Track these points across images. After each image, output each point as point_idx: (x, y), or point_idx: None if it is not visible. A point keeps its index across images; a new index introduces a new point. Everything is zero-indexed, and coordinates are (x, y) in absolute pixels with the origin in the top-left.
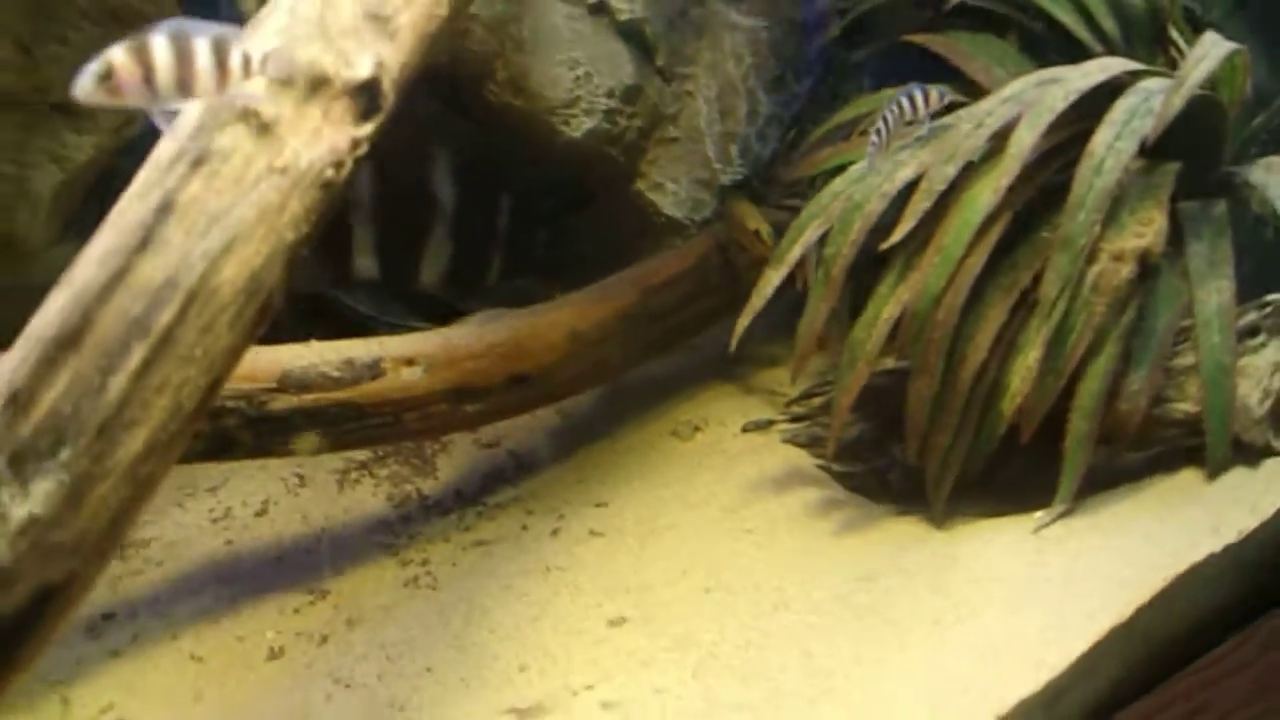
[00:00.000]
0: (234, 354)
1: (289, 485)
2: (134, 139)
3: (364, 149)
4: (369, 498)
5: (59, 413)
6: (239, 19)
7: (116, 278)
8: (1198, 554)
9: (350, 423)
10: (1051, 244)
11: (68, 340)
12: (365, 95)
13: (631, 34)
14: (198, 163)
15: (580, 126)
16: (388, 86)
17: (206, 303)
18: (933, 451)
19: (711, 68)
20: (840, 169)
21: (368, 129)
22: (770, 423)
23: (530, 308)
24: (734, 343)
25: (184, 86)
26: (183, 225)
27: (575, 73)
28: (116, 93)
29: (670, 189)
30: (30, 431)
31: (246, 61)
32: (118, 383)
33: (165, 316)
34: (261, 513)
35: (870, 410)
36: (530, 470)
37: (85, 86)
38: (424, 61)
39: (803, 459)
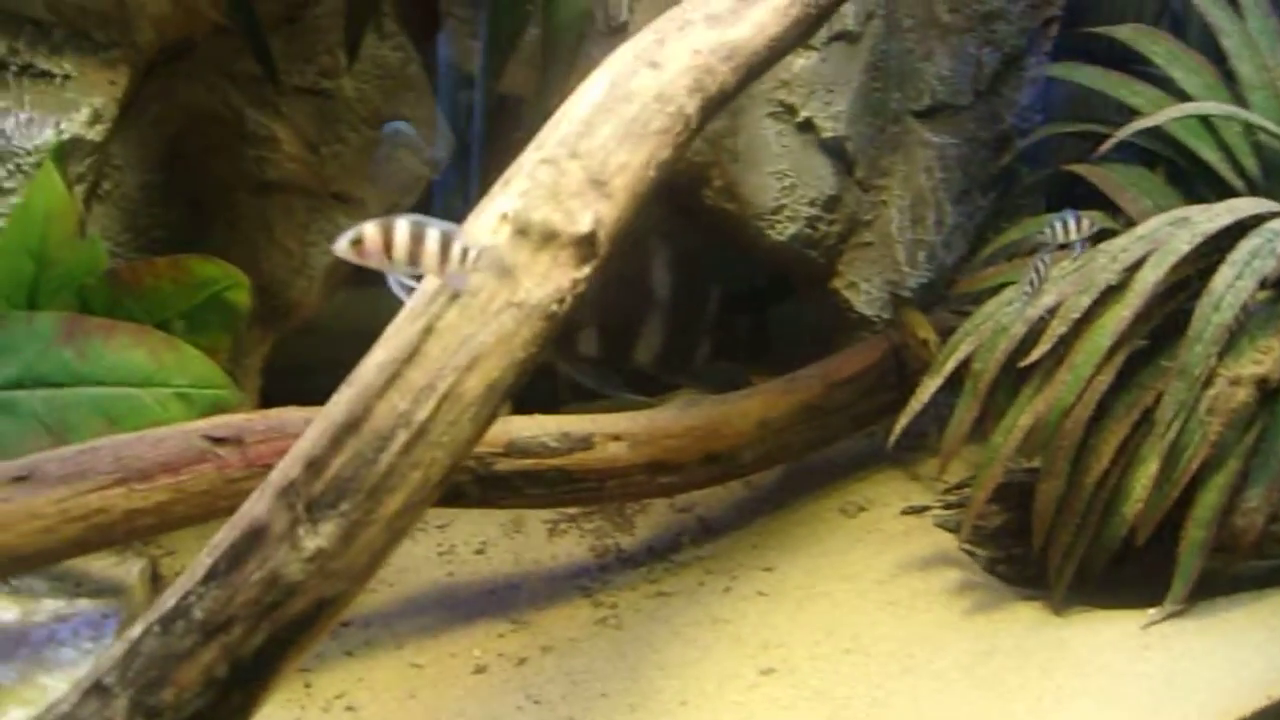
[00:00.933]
0: (472, 442)
1: (506, 530)
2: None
3: (581, 287)
4: (574, 547)
5: (342, 476)
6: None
7: (390, 381)
8: None
9: (562, 485)
10: (1171, 371)
11: (351, 425)
12: (585, 245)
13: (834, 149)
14: (454, 296)
15: (785, 231)
16: (603, 237)
17: (454, 403)
18: (1056, 545)
19: (905, 180)
20: (1001, 286)
21: (586, 271)
22: (926, 508)
23: (725, 395)
24: (892, 441)
25: (414, 261)
26: (440, 344)
27: (782, 183)
28: (363, 255)
29: (863, 288)
30: (321, 488)
31: (464, 253)
32: (385, 458)
33: (423, 412)
34: (480, 551)
35: (1013, 503)
36: (714, 534)
37: (341, 246)
38: (636, 215)
39: (950, 542)
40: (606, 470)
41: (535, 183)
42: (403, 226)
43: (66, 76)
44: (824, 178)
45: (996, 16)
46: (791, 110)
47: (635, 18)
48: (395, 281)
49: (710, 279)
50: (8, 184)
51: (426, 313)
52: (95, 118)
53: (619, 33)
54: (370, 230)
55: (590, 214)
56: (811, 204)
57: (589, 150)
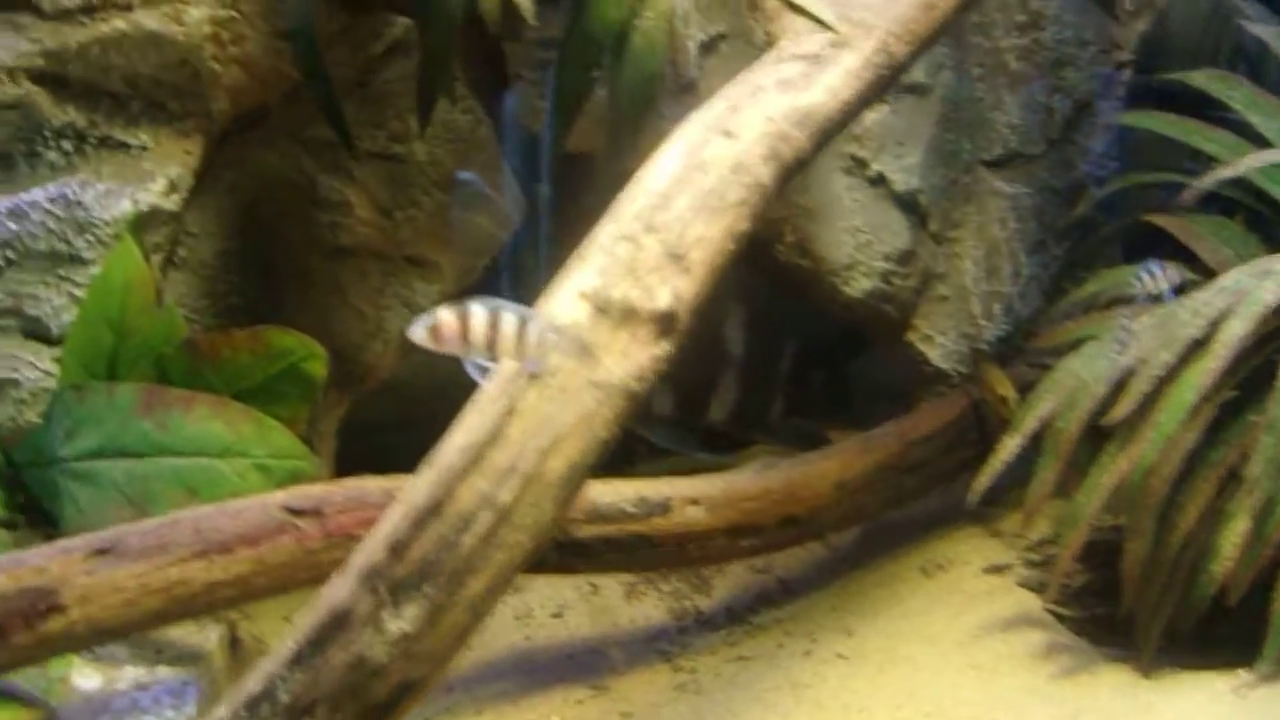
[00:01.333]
0: (555, 522)
1: (583, 593)
2: (471, 287)
3: (661, 364)
4: (651, 610)
5: (425, 559)
6: None
7: (472, 463)
8: None
9: (641, 550)
10: (1259, 426)
11: (433, 508)
12: (664, 321)
13: (906, 202)
14: (534, 377)
15: (859, 286)
16: (682, 313)
17: (536, 485)
18: (1144, 606)
19: (979, 231)
20: (1079, 341)
21: (665, 348)
22: (1008, 566)
23: (802, 456)
24: (973, 501)
25: (490, 345)
26: (522, 425)
27: (855, 239)
28: (439, 340)
29: (939, 342)
30: (404, 571)
31: (541, 338)
32: (468, 541)
33: (506, 494)
34: (558, 615)
35: (1098, 561)
36: (793, 595)
37: (417, 331)
38: (714, 288)
39: (1033, 603)
40: (685, 535)
41: (613, 259)
42: (479, 312)
43: (143, 147)
44: (897, 231)
45: (1066, 63)
46: (863, 164)
47: (704, 74)
48: (471, 364)
49: (784, 334)
50: (87, 254)
51: (507, 394)
52: (171, 188)
53: (687, 90)
54: (446, 316)
55: (669, 290)
56: (885, 258)
57: (666, 224)
